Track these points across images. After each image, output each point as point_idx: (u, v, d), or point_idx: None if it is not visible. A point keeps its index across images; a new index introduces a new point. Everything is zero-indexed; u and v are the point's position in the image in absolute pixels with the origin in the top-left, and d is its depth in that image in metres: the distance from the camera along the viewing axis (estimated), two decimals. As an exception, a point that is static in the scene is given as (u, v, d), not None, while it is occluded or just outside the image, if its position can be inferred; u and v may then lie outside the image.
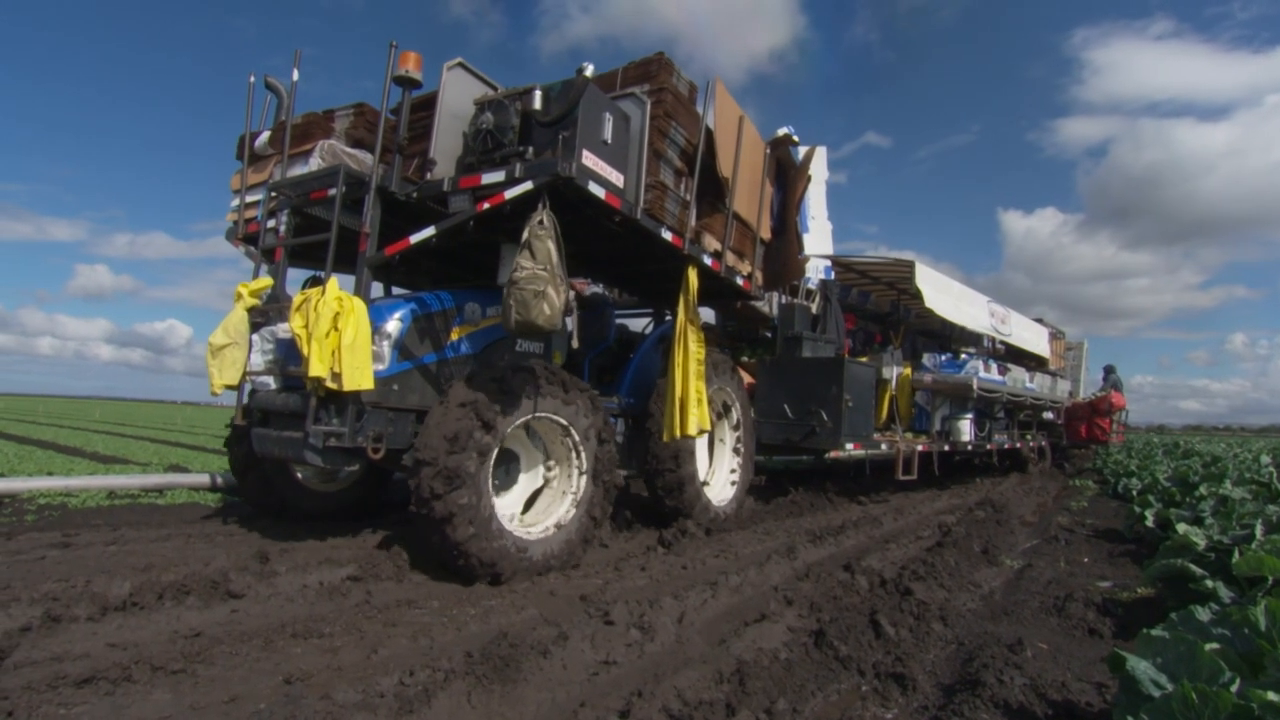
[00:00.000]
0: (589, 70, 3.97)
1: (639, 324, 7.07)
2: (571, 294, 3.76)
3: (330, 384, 3.60)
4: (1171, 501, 6.56)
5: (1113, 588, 4.15)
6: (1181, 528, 4.25)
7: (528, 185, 3.79)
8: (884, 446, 8.13)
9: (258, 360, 4.36)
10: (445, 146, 4.32)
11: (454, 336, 4.41)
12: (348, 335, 3.63)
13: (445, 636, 2.86)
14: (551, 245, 3.65)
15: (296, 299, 3.85)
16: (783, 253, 6.42)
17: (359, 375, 3.64)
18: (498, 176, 3.91)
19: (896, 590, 3.73)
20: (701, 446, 5.91)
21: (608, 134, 4.12)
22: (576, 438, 4.25)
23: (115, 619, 2.88)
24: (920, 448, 8.54)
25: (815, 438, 7.00)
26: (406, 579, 3.71)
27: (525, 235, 3.65)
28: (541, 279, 3.56)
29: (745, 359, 8.76)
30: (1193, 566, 3.48)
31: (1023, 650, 2.82)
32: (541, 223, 3.68)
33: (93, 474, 7.27)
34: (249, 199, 4.96)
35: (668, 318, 6.30)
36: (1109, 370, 14.69)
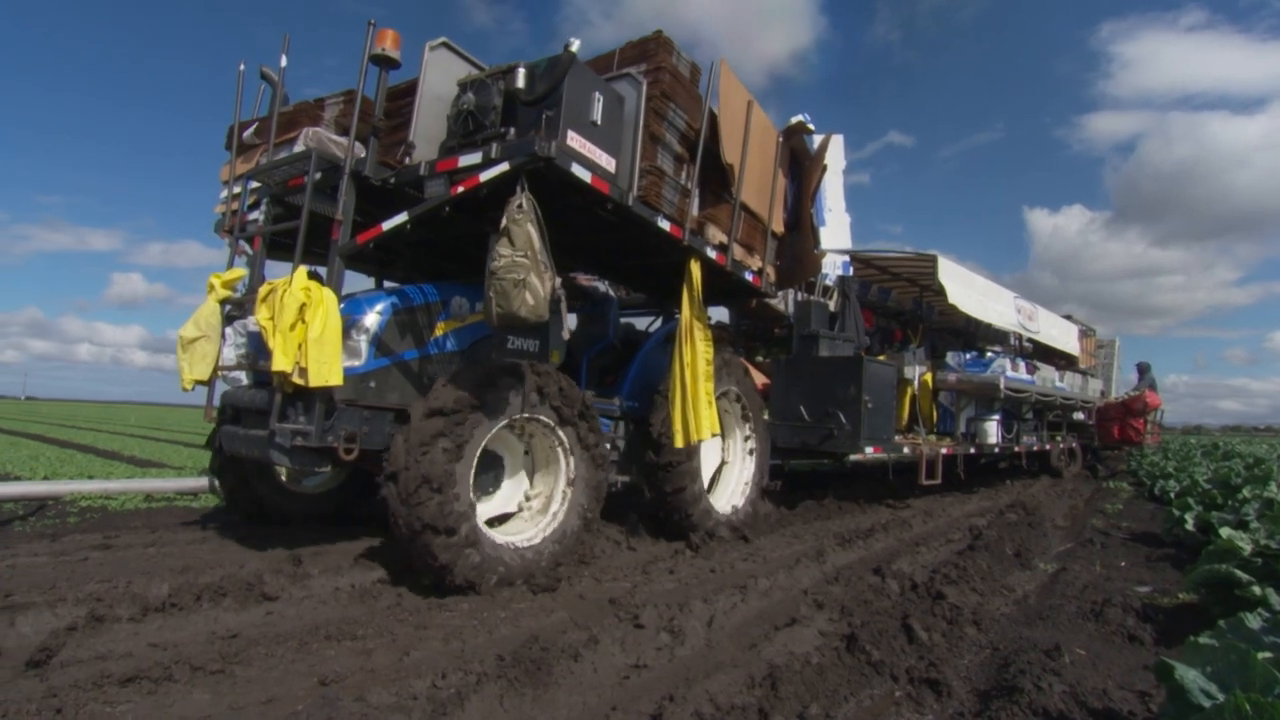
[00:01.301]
0: (575, 46, 3.69)
1: (648, 323, 6.83)
2: (558, 282, 3.53)
3: (296, 379, 3.41)
4: (1213, 504, 6.37)
5: (1152, 593, 4.04)
6: (1225, 532, 4.12)
7: (504, 167, 3.55)
8: (906, 450, 7.75)
9: (230, 354, 4.16)
10: (428, 130, 4.10)
11: (438, 332, 4.18)
12: (315, 328, 3.43)
13: (476, 639, 2.88)
14: (532, 230, 3.42)
15: (262, 290, 3.66)
16: (797, 247, 6.10)
17: (326, 371, 3.44)
18: (474, 158, 3.67)
19: (928, 594, 3.68)
20: (710, 451, 5.65)
21: (597, 114, 3.86)
22: (565, 440, 4.06)
23: (156, 619, 2.94)
24: (944, 451, 8.21)
25: (833, 441, 6.68)
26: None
27: (504, 221, 3.44)
28: (521, 267, 3.33)
29: (760, 359, 8.56)
30: (1239, 572, 3.38)
31: (1060, 656, 2.76)
32: (520, 207, 3.44)
33: (131, 477, 7.45)
34: (236, 190, 4.76)
35: (677, 316, 6.08)
36: (1144, 368, 14.19)
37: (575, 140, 3.72)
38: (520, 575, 3.66)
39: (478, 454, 3.59)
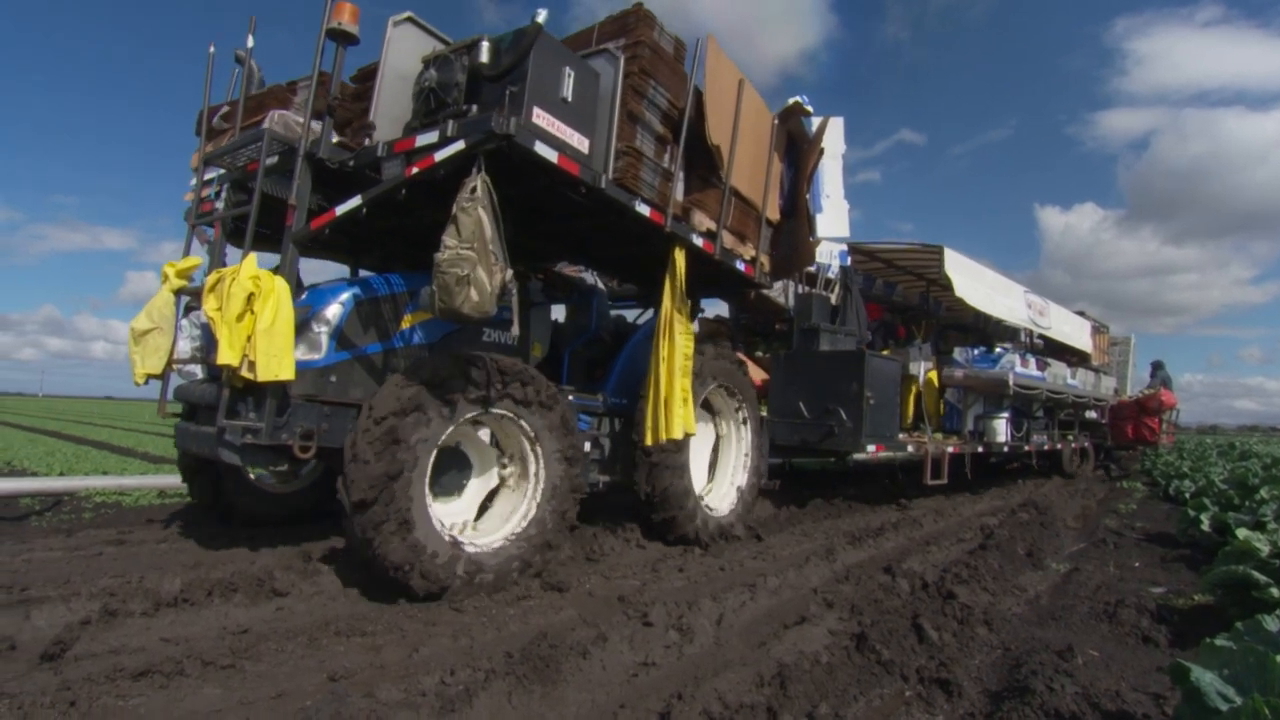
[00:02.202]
0: (542, 16, 3.43)
1: (636, 315, 6.55)
2: (509, 275, 3.28)
3: (245, 373, 3.23)
4: (1229, 505, 6.30)
5: (1166, 594, 3.99)
6: (1242, 533, 4.07)
7: (459, 146, 3.30)
8: (910, 448, 7.50)
9: (185, 347, 3.97)
10: (391, 110, 3.87)
11: (405, 324, 3.98)
12: (264, 319, 3.24)
13: (485, 636, 2.88)
14: (485, 217, 3.19)
15: (210, 278, 3.47)
16: (794, 236, 5.79)
17: (276, 364, 3.25)
18: (431, 137, 3.44)
19: (939, 593, 3.65)
20: (701, 451, 5.40)
21: (567, 91, 3.61)
22: (534, 438, 3.83)
23: (168, 614, 2.97)
24: (951, 449, 7.93)
25: (833, 439, 6.42)
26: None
27: (453, 208, 3.21)
28: (466, 260, 3.11)
29: (760, 354, 8.36)
30: (1256, 573, 3.33)
31: (1073, 657, 2.73)
32: (474, 191, 3.21)
33: (144, 474, 7.51)
34: (208, 177, 4.51)
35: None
36: (1157, 366, 13.95)
37: (542, 118, 3.48)
38: (483, 580, 3.46)
39: (433, 454, 3.40)
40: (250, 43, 4.35)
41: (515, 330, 3.46)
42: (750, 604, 3.45)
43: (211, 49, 4.40)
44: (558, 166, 3.56)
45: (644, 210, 4.16)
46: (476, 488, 3.94)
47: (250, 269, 3.35)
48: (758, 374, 7.25)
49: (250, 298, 3.26)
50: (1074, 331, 11.56)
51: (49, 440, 13.02)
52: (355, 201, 3.52)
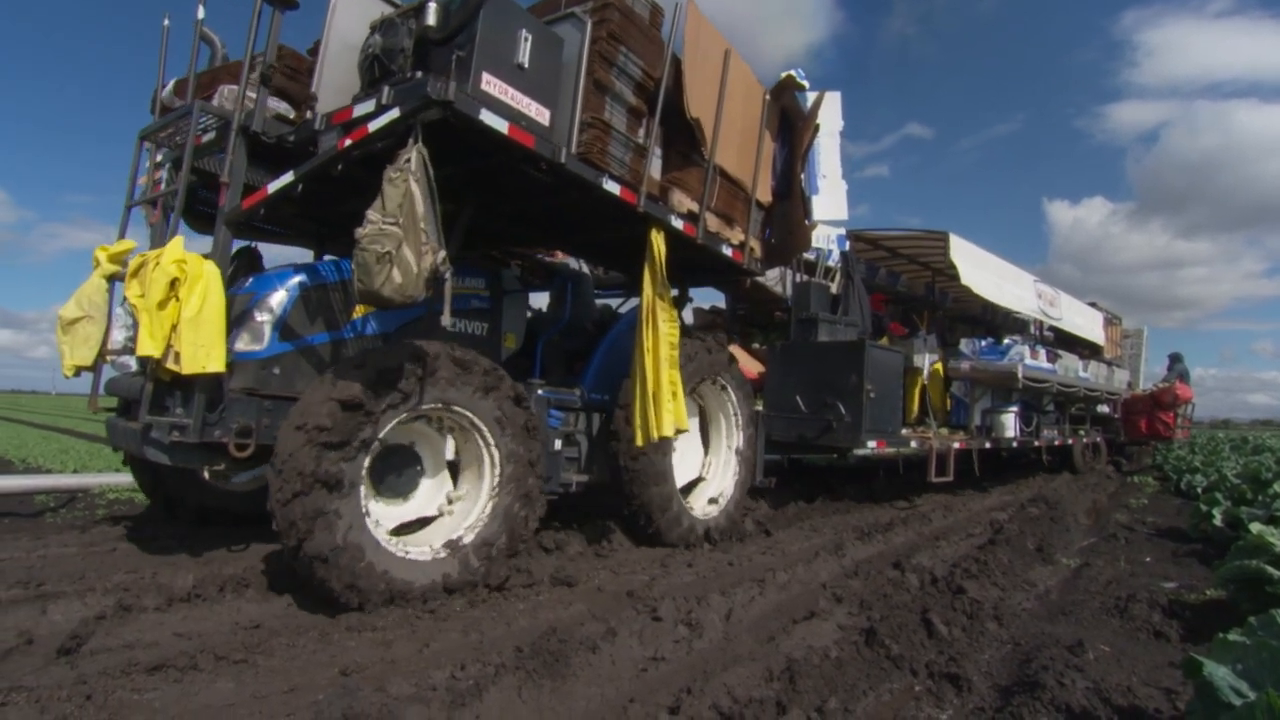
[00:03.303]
0: None
1: (618, 304, 6.28)
2: (441, 256, 3.00)
3: (171, 365, 3.02)
4: (1242, 500, 6.25)
5: (1178, 589, 3.97)
6: (1255, 527, 4.04)
7: (393, 114, 3.05)
8: (914, 444, 7.18)
9: (119, 337, 3.73)
10: (337, 81, 3.60)
11: (359, 312, 3.75)
12: (190, 306, 3.02)
13: (495, 631, 2.89)
14: (416, 191, 2.91)
15: (133, 262, 3.24)
16: (789, 219, 5.46)
17: (204, 355, 3.03)
18: (368, 107, 3.20)
19: (948, 588, 3.64)
20: (690, 449, 5.15)
21: (523, 56, 3.34)
22: (489, 436, 3.52)
23: (181, 609, 3.00)
24: (957, 445, 7.62)
25: (832, 434, 6.13)
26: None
27: (382, 179, 2.97)
28: (389, 237, 2.83)
29: (756, 345, 8.14)
30: (1270, 568, 3.30)
31: (1083, 652, 2.71)
32: (408, 162, 2.93)
33: (157, 470, 7.57)
34: (158, 158, 4.29)
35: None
36: (1175, 359, 13.50)
37: (493, 85, 3.21)
38: (414, 590, 3.16)
39: (366, 456, 3.12)
40: (200, 13, 4.02)
41: (446, 320, 3.13)
42: (759, 599, 3.45)
43: (165, 22, 4.10)
44: (509, 138, 3.27)
45: (613, 188, 3.88)
46: (429, 490, 3.63)
47: (175, 252, 3.10)
48: (754, 367, 7.08)
49: (175, 283, 3.03)
50: (1086, 323, 11.28)
51: (63, 438, 13.15)
52: (288, 178, 3.29)
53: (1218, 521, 5.37)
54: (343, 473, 2.98)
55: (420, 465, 3.62)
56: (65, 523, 4.96)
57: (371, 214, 2.88)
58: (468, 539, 3.45)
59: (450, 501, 3.63)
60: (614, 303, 6.31)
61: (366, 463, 3.12)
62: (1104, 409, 12.08)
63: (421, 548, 3.35)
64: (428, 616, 3.04)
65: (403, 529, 3.50)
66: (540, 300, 5.72)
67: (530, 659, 2.41)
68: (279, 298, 3.55)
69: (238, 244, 4.65)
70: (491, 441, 3.54)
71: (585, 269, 5.77)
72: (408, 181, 2.90)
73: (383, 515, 3.34)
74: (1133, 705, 2.30)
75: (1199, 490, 8.15)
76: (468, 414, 3.45)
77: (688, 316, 7.76)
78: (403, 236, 2.86)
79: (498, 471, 3.56)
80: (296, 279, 3.64)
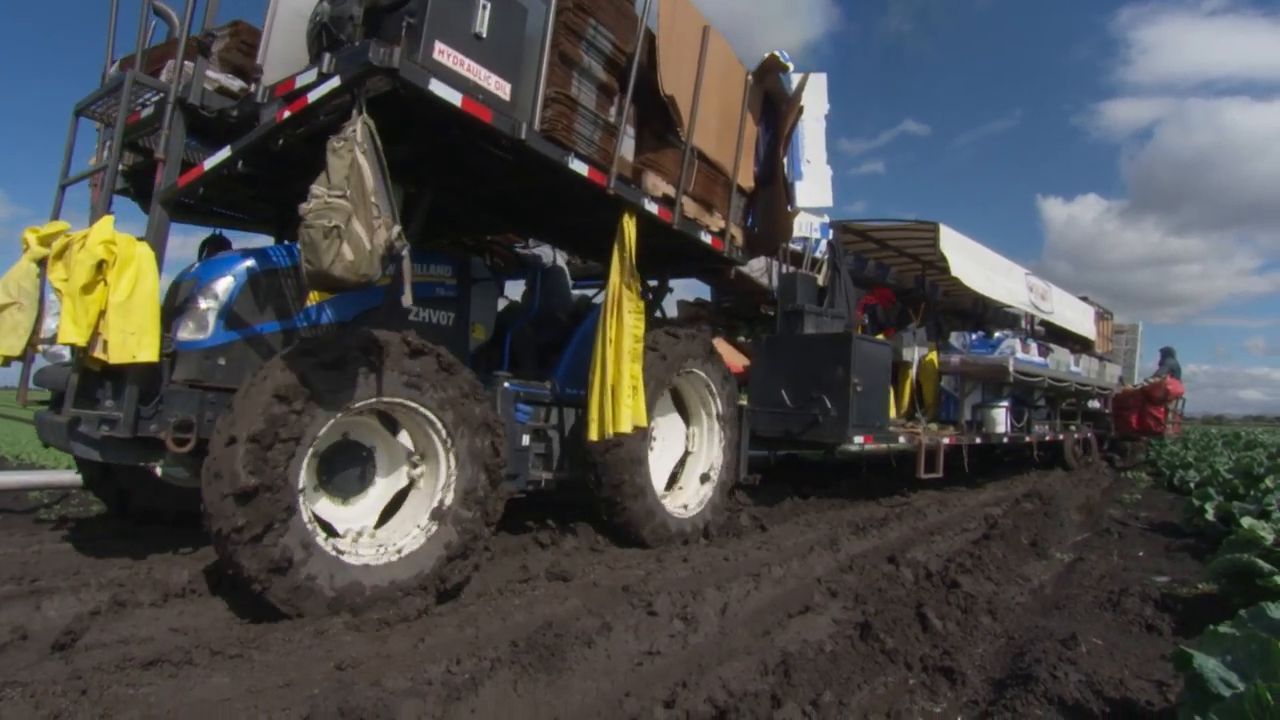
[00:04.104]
0: None
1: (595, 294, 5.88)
2: (395, 231, 2.80)
3: (99, 354, 2.84)
4: (1234, 494, 6.28)
5: (1170, 583, 3.99)
6: (1247, 521, 4.07)
7: (334, 83, 2.87)
8: (902, 439, 7.04)
9: (51, 325, 3.44)
10: (286, 53, 3.39)
11: (312, 300, 3.57)
12: (120, 290, 2.84)
13: (491, 626, 2.89)
14: (363, 163, 2.72)
15: (58, 244, 3.06)
16: (771, 206, 5.28)
17: (134, 343, 2.84)
18: (309, 76, 3.03)
19: (943, 583, 3.66)
20: (666, 445, 4.98)
21: (481, 25, 3.15)
22: (443, 432, 3.32)
23: (176, 605, 3.00)
24: (947, 440, 7.44)
25: (818, 429, 5.98)
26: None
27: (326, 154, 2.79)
28: (336, 210, 2.65)
29: (742, 339, 8.06)
30: (1260, 562, 3.33)
31: (1076, 645, 2.73)
32: (353, 133, 2.76)
33: (152, 466, 7.54)
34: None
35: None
36: (1166, 354, 13.49)
37: (446, 55, 3.02)
38: (357, 600, 2.96)
39: (310, 451, 2.94)
40: None
41: (407, 300, 2.94)
42: (755, 593, 3.46)
43: None
44: (463, 111, 3.08)
45: (580, 168, 3.70)
46: (383, 489, 3.41)
47: (102, 233, 2.90)
48: (739, 360, 6.98)
49: (102, 265, 2.84)
50: (1077, 317, 11.27)
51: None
52: (224, 153, 3.12)
53: (1210, 516, 5.40)
54: (280, 473, 2.78)
55: (373, 464, 3.40)
56: (59, 518, 4.94)
57: (316, 188, 2.71)
58: (420, 541, 3.25)
59: (405, 502, 3.42)
60: (592, 293, 6.07)
61: (305, 461, 2.92)
62: (1095, 404, 12.04)
63: (372, 550, 3.15)
64: (423, 611, 3.04)
65: (355, 530, 3.29)
66: (518, 291, 5.58)
67: (526, 653, 2.42)
68: (225, 284, 3.36)
69: (206, 231, 4.54)
70: (447, 439, 3.33)
71: (561, 258, 5.54)
72: (353, 152, 2.72)
73: (331, 516, 3.18)
74: (1125, 697, 2.31)
75: (1191, 485, 8.19)
76: (421, 408, 3.24)
77: (670, 308, 7.68)
78: (351, 210, 2.67)
79: (454, 472, 3.35)
80: (245, 264, 3.45)
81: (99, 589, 3.10)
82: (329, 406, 2.95)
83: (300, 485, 2.89)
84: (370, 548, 3.18)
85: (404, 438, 3.44)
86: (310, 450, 2.95)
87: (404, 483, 3.44)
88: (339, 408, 2.99)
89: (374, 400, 3.12)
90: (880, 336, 7.87)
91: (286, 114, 3.00)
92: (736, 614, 3.17)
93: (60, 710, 2.00)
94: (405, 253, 2.86)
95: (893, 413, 7.31)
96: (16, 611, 2.86)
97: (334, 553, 2.98)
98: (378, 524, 3.36)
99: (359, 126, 2.78)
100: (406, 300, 2.95)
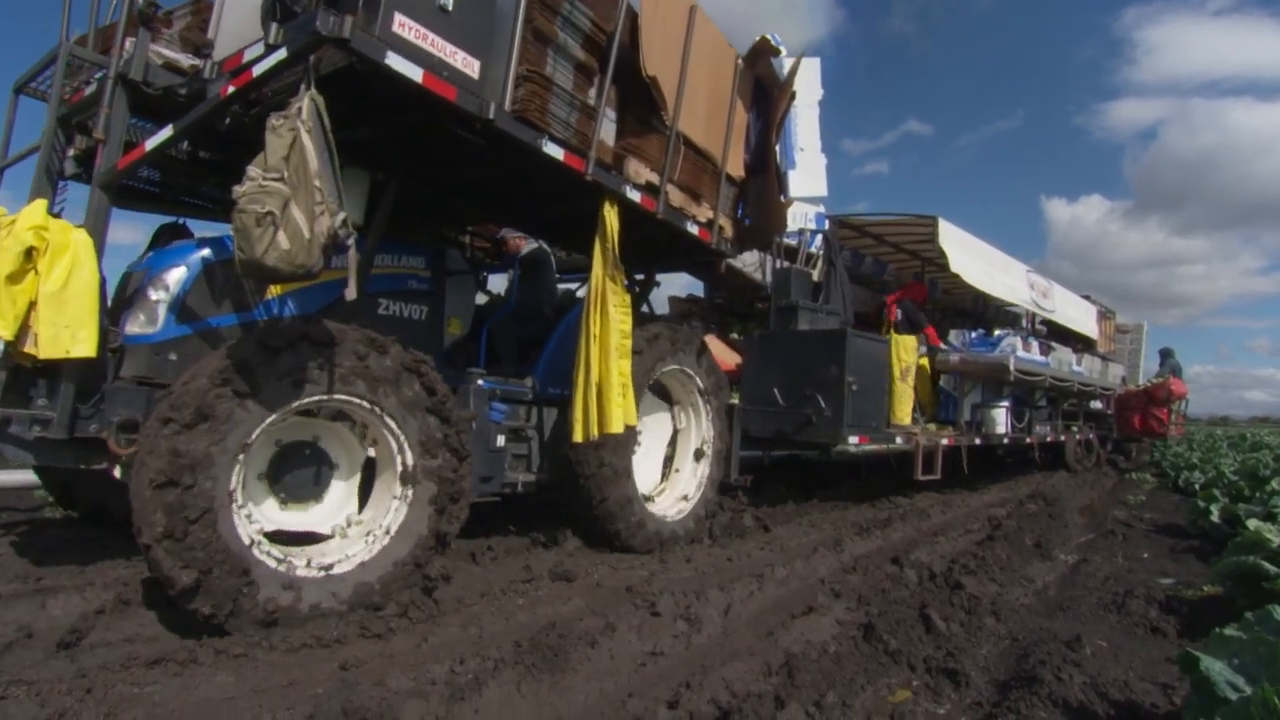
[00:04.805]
0: None
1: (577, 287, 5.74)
2: (340, 219, 2.61)
3: (28, 348, 2.69)
4: (1239, 496, 6.26)
5: (1175, 585, 3.98)
6: (1253, 524, 4.05)
7: (280, 54, 2.70)
8: (899, 440, 6.91)
9: None
10: (238, 26, 3.19)
11: (273, 292, 3.37)
12: (53, 280, 2.68)
13: (494, 626, 2.90)
14: (308, 143, 2.52)
15: None
16: (763, 197, 5.10)
17: (68, 337, 2.69)
18: (257, 49, 2.86)
19: (946, 584, 3.66)
20: (653, 444, 4.84)
21: None
22: (401, 435, 3.10)
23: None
24: (946, 441, 7.29)
25: (811, 429, 5.83)
26: (455, 568, 3.76)
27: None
28: (271, 195, 2.45)
29: (735, 336, 7.92)
30: (1266, 564, 3.32)
31: (1081, 647, 2.72)
32: (298, 111, 2.55)
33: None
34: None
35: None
36: (1165, 354, 13.48)
37: (408, 28, 2.82)
38: (296, 614, 2.77)
39: (242, 451, 2.69)
40: None
41: (351, 293, 2.73)
42: (758, 594, 3.45)
43: None
44: (424, 88, 2.88)
45: (556, 152, 3.51)
46: (342, 494, 3.21)
47: (33, 218, 2.73)
48: (732, 358, 6.88)
49: (31, 253, 2.67)
50: (1079, 315, 11.18)
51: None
52: (166, 132, 2.96)
53: (1215, 518, 5.39)
54: (210, 474, 2.57)
55: (329, 467, 3.18)
56: (65, 517, 4.95)
57: (251, 169, 2.51)
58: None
59: (358, 511, 3.21)
60: (575, 287, 5.91)
61: (241, 461, 2.69)
62: (1098, 405, 11.93)
63: (362, 543, 3.03)
64: (426, 610, 3.04)
65: (311, 539, 3.10)
66: (501, 285, 5.42)
67: (529, 653, 2.42)
68: (177, 274, 3.17)
69: (164, 220, 4.34)
70: (405, 442, 3.11)
71: (545, 249, 5.32)
72: (295, 131, 2.53)
73: (278, 523, 2.98)
74: (1130, 700, 2.31)
75: (1197, 487, 8.17)
76: (375, 408, 3.02)
77: (662, 305, 7.60)
78: (289, 195, 2.48)
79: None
80: (199, 254, 3.26)
81: (104, 588, 3.11)
82: (272, 403, 2.74)
83: (237, 487, 2.68)
84: (359, 540, 3.08)
85: (358, 440, 3.24)
86: (250, 449, 2.73)
87: (359, 471, 3.24)
88: (276, 407, 2.76)
89: (325, 397, 2.90)
90: (913, 337, 7.59)
91: (231, 89, 2.84)
92: (740, 615, 3.16)
93: (65, 709, 2.01)
94: (351, 242, 2.69)
95: (907, 414, 7.23)
96: (22, 610, 2.87)
97: (277, 565, 2.77)
98: (337, 531, 3.15)
99: (305, 103, 2.58)
100: (350, 293, 2.75)
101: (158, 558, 2.49)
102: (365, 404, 3.01)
